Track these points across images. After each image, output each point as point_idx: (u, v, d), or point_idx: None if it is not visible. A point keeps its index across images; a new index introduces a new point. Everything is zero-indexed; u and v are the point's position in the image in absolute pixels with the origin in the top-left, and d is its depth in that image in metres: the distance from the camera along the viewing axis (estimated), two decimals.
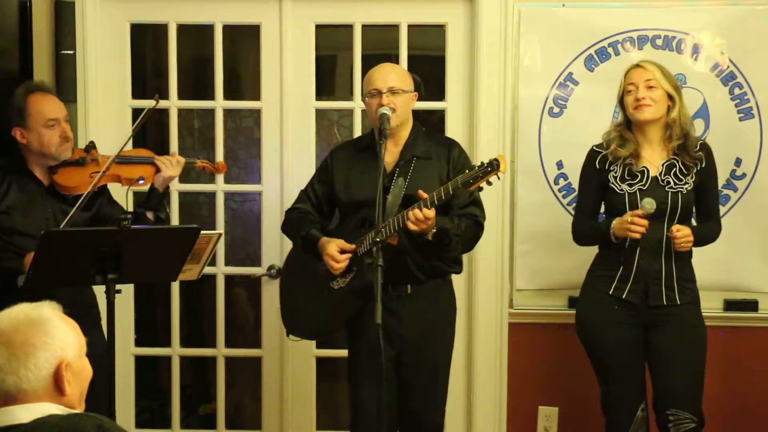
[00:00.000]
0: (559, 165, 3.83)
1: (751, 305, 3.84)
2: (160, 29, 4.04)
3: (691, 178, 3.20)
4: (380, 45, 4.24)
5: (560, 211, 3.82)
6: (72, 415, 1.74)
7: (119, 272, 2.78)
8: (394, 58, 3.85)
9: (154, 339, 4.56)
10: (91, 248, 2.73)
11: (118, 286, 2.80)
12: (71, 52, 3.86)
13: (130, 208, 3.55)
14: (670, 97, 3.20)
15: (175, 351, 4.11)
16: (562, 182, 3.83)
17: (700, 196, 3.24)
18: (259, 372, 4.11)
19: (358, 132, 3.93)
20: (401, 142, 3.18)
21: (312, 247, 3.17)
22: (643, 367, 3.27)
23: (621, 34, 3.78)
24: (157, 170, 3.27)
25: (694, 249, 3.25)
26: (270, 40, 3.96)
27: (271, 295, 3.93)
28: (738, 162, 3.77)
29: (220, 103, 4.01)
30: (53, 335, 1.76)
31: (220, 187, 4.03)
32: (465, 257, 3.69)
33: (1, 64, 3.68)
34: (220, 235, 3.19)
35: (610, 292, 3.22)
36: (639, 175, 3.20)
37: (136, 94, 4.03)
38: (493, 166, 2.79)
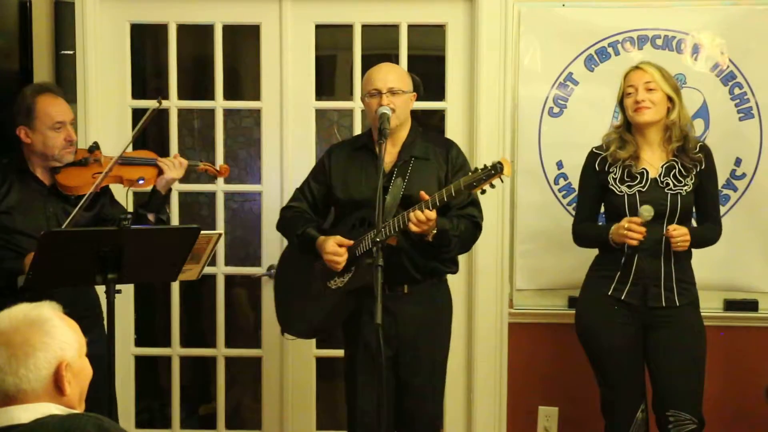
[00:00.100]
0: (559, 165, 3.83)
1: (751, 305, 3.84)
2: (160, 29, 4.04)
3: (691, 179, 3.20)
4: (380, 45, 4.25)
5: (560, 211, 3.82)
6: (72, 415, 1.74)
7: (119, 272, 2.78)
8: (394, 58, 3.85)
9: (154, 339, 4.56)
10: (91, 248, 2.73)
11: (118, 286, 2.80)
12: (71, 52, 3.86)
13: (130, 209, 3.56)
14: (669, 99, 3.20)
15: (175, 351, 4.11)
16: (562, 182, 3.83)
17: (700, 198, 3.24)
18: (259, 372, 4.11)
19: (358, 132, 3.93)
20: (399, 142, 3.18)
21: (309, 246, 3.17)
22: (643, 368, 3.27)
23: (621, 34, 3.78)
24: (160, 172, 3.26)
25: (694, 250, 3.25)
26: (270, 40, 3.96)
27: (271, 295, 3.89)
28: (738, 162, 3.77)
29: (220, 103, 4.01)
30: (53, 335, 1.76)
31: (220, 187, 4.03)
32: (465, 257, 3.71)
33: (1, 64, 3.68)
34: (220, 235, 3.19)
35: (609, 293, 3.22)
36: (638, 176, 3.20)
37: (136, 94, 4.03)
38: (496, 169, 2.79)
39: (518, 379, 3.95)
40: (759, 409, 3.88)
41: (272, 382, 4.06)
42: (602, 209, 3.35)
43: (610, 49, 3.79)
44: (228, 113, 4.26)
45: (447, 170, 3.16)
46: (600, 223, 3.36)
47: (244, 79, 4.90)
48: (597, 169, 3.28)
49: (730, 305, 3.85)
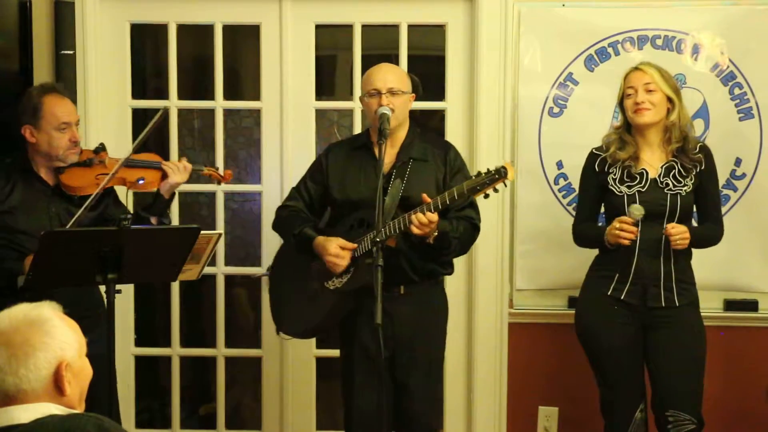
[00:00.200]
0: (559, 165, 3.83)
1: (751, 305, 3.84)
2: (160, 29, 4.04)
3: (691, 180, 3.20)
4: (380, 45, 4.25)
5: (560, 211, 3.82)
6: (72, 415, 1.74)
7: (119, 272, 2.78)
8: (394, 58, 3.84)
9: (154, 339, 4.56)
10: (91, 248, 2.73)
11: (118, 286, 2.80)
12: (71, 52, 3.86)
13: (130, 209, 3.56)
14: (669, 99, 3.19)
15: (175, 351, 4.11)
16: (562, 182, 3.83)
17: (700, 198, 3.24)
18: (259, 372, 4.11)
19: (358, 132, 3.93)
20: (398, 143, 3.17)
21: (306, 246, 3.16)
22: (642, 368, 3.27)
23: (621, 34, 3.78)
24: (164, 176, 3.24)
25: (694, 250, 3.25)
26: (270, 40, 3.96)
27: None
28: (738, 162, 3.77)
29: (220, 103, 4.01)
30: (53, 335, 1.76)
31: (220, 187, 4.02)
32: (465, 257, 3.71)
33: (1, 64, 3.68)
34: (220, 235, 3.18)
35: (609, 293, 3.22)
36: (638, 177, 3.20)
37: (136, 94, 4.04)
38: (500, 174, 2.79)
39: (518, 379, 3.95)
40: (759, 409, 3.88)
41: (272, 382, 4.06)
42: (603, 210, 3.36)
43: (610, 49, 3.79)
44: (228, 113, 4.26)
45: (445, 172, 3.16)
46: (600, 224, 3.36)
47: (244, 79, 4.91)
48: (597, 169, 3.28)
49: (730, 305, 3.85)
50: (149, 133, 3.05)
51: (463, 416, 4.01)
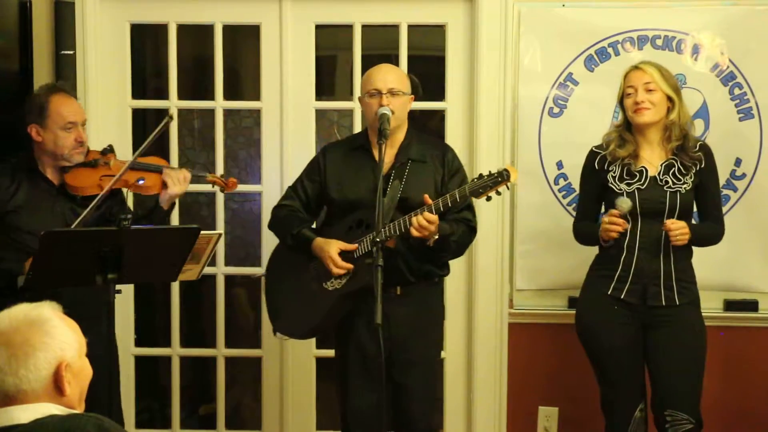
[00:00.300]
0: (559, 165, 3.83)
1: (751, 305, 3.84)
2: (160, 29, 4.04)
3: (690, 178, 3.20)
4: (380, 45, 4.25)
5: (560, 211, 3.82)
6: (72, 416, 1.74)
7: (119, 272, 2.78)
8: (394, 58, 3.85)
9: (154, 339, 4.56)
10: (91, 248, 2.73)
11: (118, 286, 2.80)
12: (71, 52, 3.86)
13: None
14: (669, 99, 3.19)
15: (175, 351, 4.11)
16: (562, 182, 3.83)
17: (700, 197, 3.24)
18: (259, 372, 4.11)
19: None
20: (396, 144, 3.17)
21: (304, 247, 3.16)
22: (643, 367, 3.27)
23: (621, 34, 3.78)
24: (164, 185, 3.20)
25: (694, 249, 3.25)
26: (270, 40, 3.96)
27: None
28: (738, 162, 3.77)
29: (220, 103, 4.01)
30: (53, 335, 1.76)
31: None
32: (465, 257, 3.71)
33: (1, 64, 3.68)
34: (219, 235, 3.18)
35: (609, 292, 3.22)
36: (638, 174, 3.20)
37: (136, 94, 4.04)
38: (503, 176, 2.79)
39: (518, 379, 3.95)
40: (759, 409, 3.88)
41: (272, 382, 4.06)
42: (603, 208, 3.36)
43: (610, 50, 3.79)
44: (228, 113, 4.26)
45: (443, 173, 3.16)
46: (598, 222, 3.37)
47: (244, 79, 4.90)
48: (597, 167, 3.28)
49: (730, 305, 3.85)
50: (154, 138, 3.04)
51: (463, 416, 4.01)
